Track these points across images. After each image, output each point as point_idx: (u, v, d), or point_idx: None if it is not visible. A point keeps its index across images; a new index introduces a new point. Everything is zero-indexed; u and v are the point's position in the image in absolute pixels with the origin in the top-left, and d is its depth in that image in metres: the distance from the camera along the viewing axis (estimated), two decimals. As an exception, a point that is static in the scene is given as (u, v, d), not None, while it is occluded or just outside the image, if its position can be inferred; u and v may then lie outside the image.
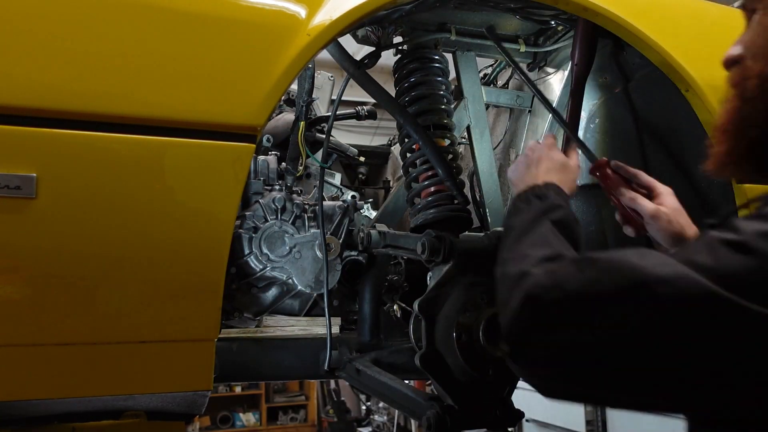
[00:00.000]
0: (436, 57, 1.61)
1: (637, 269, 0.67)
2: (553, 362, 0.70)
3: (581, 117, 1.53)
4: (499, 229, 1.36)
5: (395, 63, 1.64)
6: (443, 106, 1.58)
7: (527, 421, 4.46)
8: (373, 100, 1.67)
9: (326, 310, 1.54)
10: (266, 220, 1.55)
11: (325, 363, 1.56)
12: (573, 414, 4.02)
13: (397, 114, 1.50)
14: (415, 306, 1.25)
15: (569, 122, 1.40)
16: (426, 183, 1.53)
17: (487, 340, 1.19)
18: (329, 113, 1.88)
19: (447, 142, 1.55)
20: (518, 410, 1.30)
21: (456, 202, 1.48)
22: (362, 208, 1.78)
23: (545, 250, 0.82)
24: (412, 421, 5.44)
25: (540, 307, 0.70)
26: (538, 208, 0.97)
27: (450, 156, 1.53)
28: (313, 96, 1.73)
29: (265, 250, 1.52)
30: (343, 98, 1.65)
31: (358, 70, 1.49)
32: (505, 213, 1.65)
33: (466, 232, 1.46)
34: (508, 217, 1.03)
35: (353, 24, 1.14)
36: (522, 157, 1.19)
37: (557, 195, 1.02)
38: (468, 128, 1.72)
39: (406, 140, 1.60)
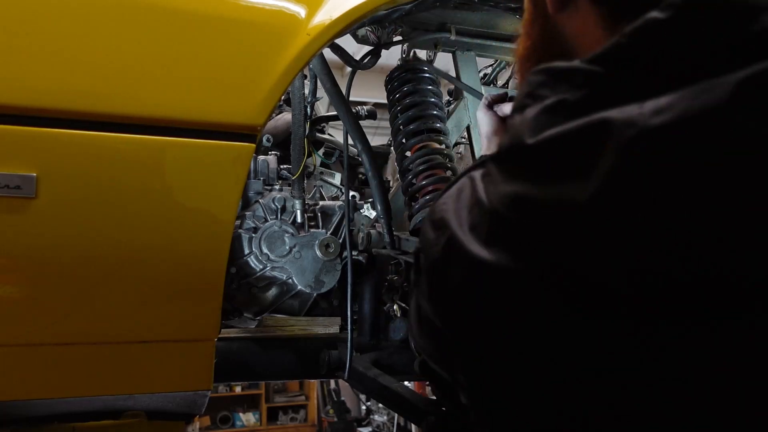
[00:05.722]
0: (425, 68, 1.61)
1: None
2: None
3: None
4: None
5: (387, 77, 1.64)
6: (435, 112, 1.58)
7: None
8: (373, 100, 1.67)
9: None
10: (266, 220, 1.55)
11: (325, 361, 1.56)
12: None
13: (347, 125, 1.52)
14: None
15: None
16: (423, 183, 1.52)
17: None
18: (330, 113, 1.89)
19: (443, 146, 1.56)
20: None
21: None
22: (362, 208, 1.78)
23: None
24: (412, 421, 5.43)
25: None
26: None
27: (447, 159, 1.53)
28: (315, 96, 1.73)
29: (265, 250, 1.52)
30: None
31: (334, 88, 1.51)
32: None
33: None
34: None
35: (353, 24, 1.14)
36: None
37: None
38: (468, 128, 1.72)
39: (404, 141, 1.60)
